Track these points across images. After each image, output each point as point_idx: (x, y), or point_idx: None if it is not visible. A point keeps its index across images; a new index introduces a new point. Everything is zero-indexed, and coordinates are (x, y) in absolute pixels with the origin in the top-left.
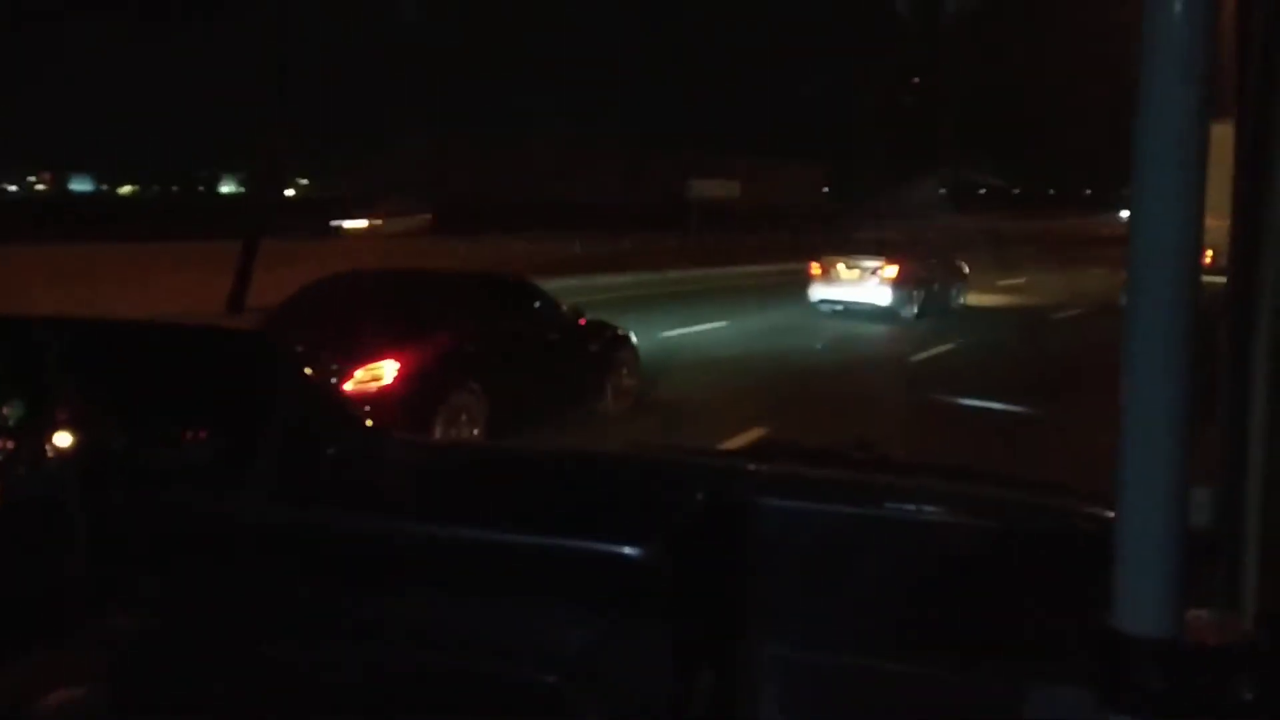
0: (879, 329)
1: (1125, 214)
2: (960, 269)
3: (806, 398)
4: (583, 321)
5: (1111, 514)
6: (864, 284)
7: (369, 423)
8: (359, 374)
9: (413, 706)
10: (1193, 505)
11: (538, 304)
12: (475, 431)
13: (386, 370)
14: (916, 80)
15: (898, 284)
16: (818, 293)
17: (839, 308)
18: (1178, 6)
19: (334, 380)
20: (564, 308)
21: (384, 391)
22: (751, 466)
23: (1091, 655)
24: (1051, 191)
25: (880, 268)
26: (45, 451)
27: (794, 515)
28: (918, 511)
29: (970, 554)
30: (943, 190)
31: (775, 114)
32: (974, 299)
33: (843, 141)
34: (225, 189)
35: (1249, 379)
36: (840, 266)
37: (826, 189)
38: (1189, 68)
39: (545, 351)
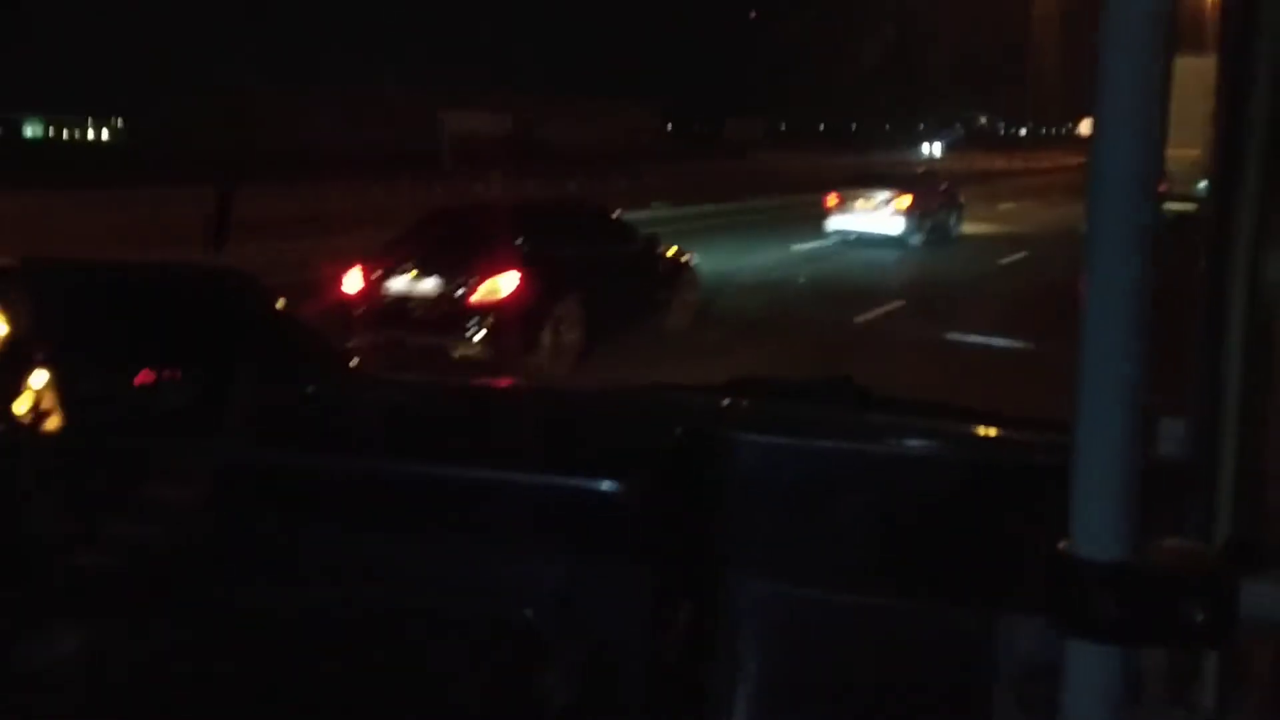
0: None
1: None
2: (958, 200)
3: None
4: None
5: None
6: (877, 214)
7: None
8: (483, 288)
9: (389, 644)
10: (1166, 436)
11: (619, 228)
12: (575, 336)
13: (504, 284)
14: (753, 15)
15: (909, 214)
16: (833, 223)
17: (852, 237)
18: None
19: (460, 292)
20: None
21: (502, 302)
22: (729, 402)
23: (1047, 581)
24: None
25: (894, 199)
26: (15, 393)
27: (772, 450)
28: (896, 446)
29: (947, 488)
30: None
31: (600, 48)
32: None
33: (682, 79)
34: (31, 133)
35: (1224, 308)
36: (855, 198)
37: (670, 126)
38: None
39: (627, 270)
